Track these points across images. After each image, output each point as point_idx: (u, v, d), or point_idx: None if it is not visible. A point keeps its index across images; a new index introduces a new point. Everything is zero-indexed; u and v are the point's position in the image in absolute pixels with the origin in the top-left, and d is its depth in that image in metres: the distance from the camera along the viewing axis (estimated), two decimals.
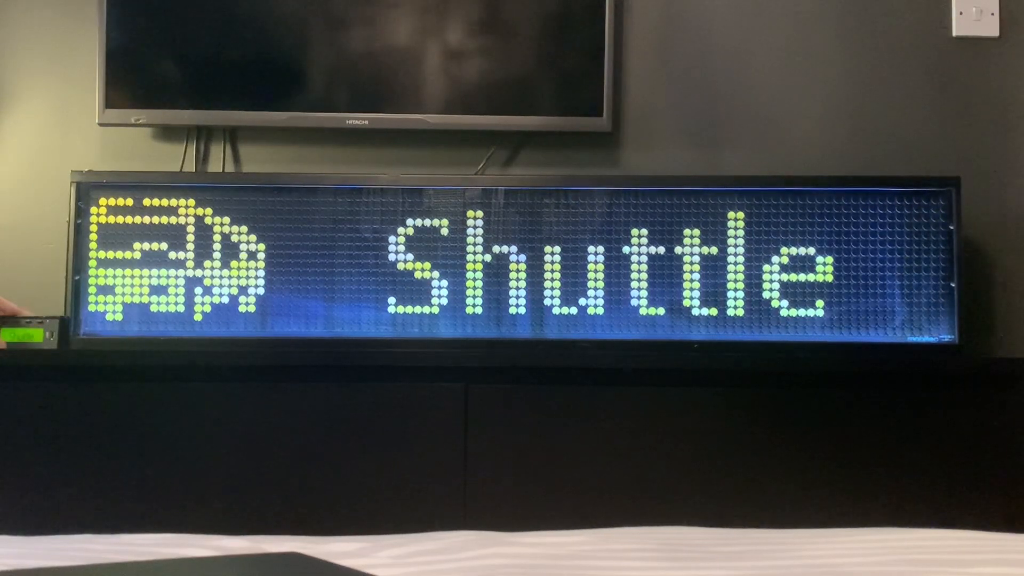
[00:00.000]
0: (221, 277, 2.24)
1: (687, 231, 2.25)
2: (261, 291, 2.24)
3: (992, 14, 2.50)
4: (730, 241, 2.25)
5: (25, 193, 2.47)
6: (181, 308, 2.24)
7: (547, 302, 2.24)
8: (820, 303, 2.24)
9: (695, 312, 2.24)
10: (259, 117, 2.40)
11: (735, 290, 2.24)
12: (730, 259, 2.25)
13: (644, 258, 2.25)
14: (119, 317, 2.23)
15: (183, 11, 2.40)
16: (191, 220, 2.25)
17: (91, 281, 2.23)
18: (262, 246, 2.25)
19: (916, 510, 2.04)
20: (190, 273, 2.24)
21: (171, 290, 2.24)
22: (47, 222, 2.43)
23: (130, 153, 2.46)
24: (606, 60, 2.39)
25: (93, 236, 2.24)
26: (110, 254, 2.24)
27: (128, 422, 2.09)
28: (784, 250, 2.25)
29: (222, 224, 2.25)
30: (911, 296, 2.23)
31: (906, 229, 2.24)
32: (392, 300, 2.24)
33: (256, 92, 2.41)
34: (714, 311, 2.24)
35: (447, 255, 2.25)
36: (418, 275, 2.25)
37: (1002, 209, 2.48)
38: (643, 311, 2.24)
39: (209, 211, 2.25)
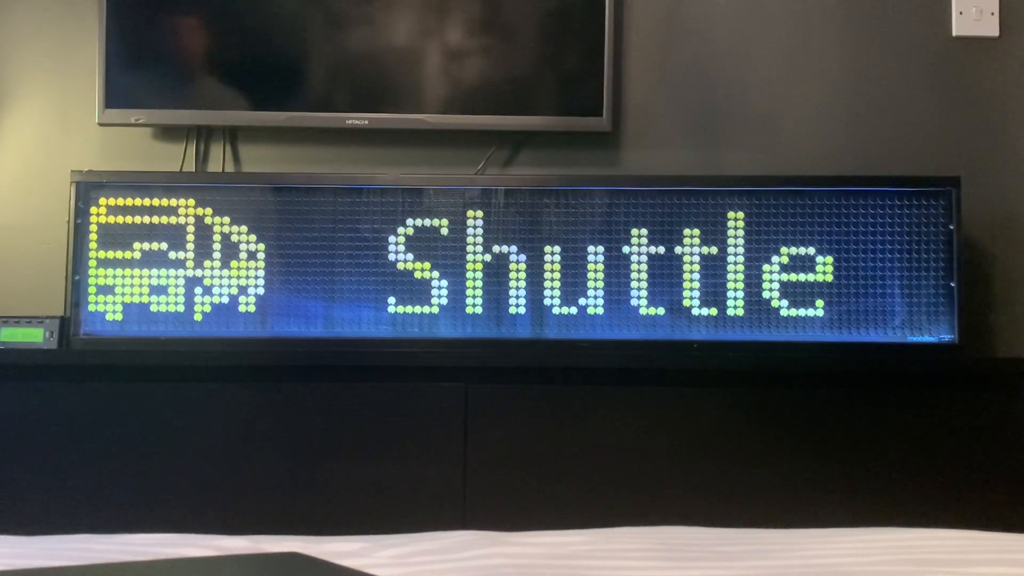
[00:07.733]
0: (221, 277, 2.24)
1: (687, 231, 2.25)
2: (261, 291, 2.24)
3: (992, 14, 2.50)
4: (730, 241, 2.25)
5: (25, 193, 2.47)
6: (181, 308, 2.24)
7: (547, 302, 2.24)
8: (820, 303, 2.23)
9: (695, 312, 2.24)
10: (259, 117, 2.40)
11: (735, 290, 2.24)
12: (730, 259, 2.25)
13: (644, 258, 2.25)
14: (119, 317, 2.23)
15: (183, 11, 2.40)
16: (191, 220, 2.25)
17: (91, 281, 2.23)
18: (262, 246, 2.25)
19: (916, 510, 2.04)
20: (190, 273, 2.24)
21: (171, 290, 2.24)
22: (47, 222, 2.43)
23: (130, 153, 2.46)
24: (606, 60, 2.39)
25: (93, 236, 2.24)
26: (110, 254, 2.24)
27: (128, 422, 2.09)
28: (784, 250, 2.24)
29: (222, 224, 2.25)
30: (911, 296, 2.23)
31: (906, 229, 2.24)
32: (392, 300, 2.24)
33: (256, 92, 2.40)
34: (714, 311, 2.24)
35: (447, 255, 2.25)
36: (418, 275, 2.25)
37: (1002, 209, 2.48)
38: (643, 311, 2.24)
39: (209, 211, 2.25)
